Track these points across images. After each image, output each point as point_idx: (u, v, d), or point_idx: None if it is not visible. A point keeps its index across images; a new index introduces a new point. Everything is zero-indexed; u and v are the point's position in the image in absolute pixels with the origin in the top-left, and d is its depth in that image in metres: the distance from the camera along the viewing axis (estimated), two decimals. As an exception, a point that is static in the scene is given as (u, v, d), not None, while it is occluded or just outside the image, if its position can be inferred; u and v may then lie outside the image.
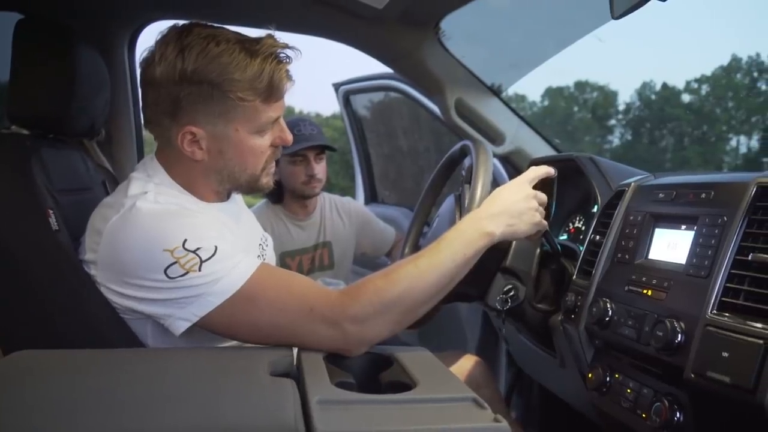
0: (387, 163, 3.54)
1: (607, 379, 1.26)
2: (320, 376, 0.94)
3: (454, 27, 1.87)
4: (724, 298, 1.01)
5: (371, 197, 3.44)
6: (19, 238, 1.15)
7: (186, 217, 1.15)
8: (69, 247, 1.20)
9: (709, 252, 1.07)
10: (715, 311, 1.01)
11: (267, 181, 1.29)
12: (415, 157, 3.49)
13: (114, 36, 1.85)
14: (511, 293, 1.46)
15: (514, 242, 1.47)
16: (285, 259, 2.38)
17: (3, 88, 1.36)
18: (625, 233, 1.29)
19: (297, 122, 2.36)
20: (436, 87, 1.91)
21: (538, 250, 1.51)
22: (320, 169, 2.37)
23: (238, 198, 1.41)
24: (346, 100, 3.29)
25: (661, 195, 1.24)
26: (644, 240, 1.25)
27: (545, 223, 1.30)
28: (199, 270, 1.08)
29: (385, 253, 2.64)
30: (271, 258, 1.48)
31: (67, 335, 1.16)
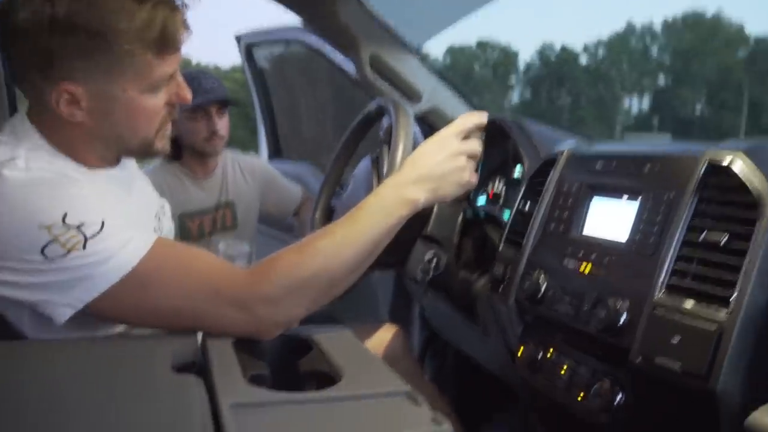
0: (291, 118, 3.35)
1: (539, 356, 1.17)
2: (231, 368, 0.82)
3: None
4: (672, 279, 0.93)
5: (275, 152, 3.25)
6: None
7: (65, 187, 0.96)
8: None
9: (655, 229, 0.98)
10: (663, 293, 0.93)
11: (163, 145, 1.11)
12: (320, 112, 3.32)
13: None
14: (433, 262, 1.35)
15: (435, 208, 1.37)
16: (185, 221, 2.19)
17: None
18: (558, 203, 1.19)
19: (197, 75, 2.15)
20: (350, 41, 1.74)
21: (461, 217, 1.41)
22: (222, 124, 2.17)
23: (129, 162, 1.22)
24: (248, 53, 3.06)
25: (599, 165, 1.14)
26: (580, 211, 1.15)
27: (475, 180, 1.18)
28: (84, 248, 0.91)
29: (291, 212, 2.49)
30: (170, 230, 1.31)
31: None
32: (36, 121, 1.04)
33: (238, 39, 3.07)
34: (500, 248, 1.31)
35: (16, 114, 1.11)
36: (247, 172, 2.37)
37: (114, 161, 1.13)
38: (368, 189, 1.40)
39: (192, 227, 2.20)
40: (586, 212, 1.14)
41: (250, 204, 2.36)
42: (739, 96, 30.02)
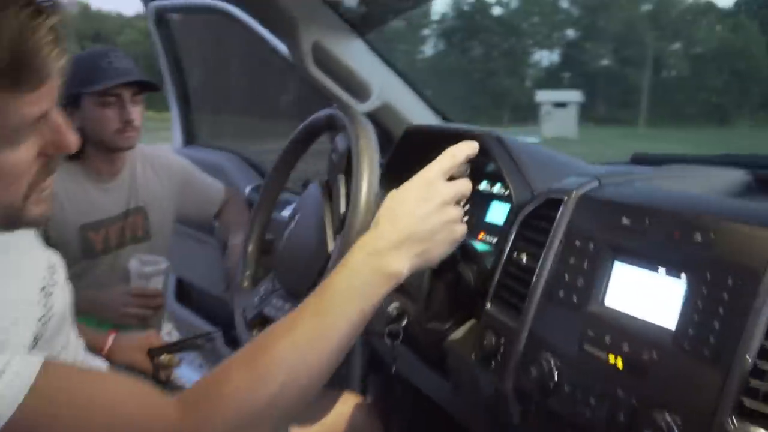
0: (208, 99, 2.97)
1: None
2: None
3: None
4: (746, 400, 0.71)
5: (188, 139, 2.87)
6: None
7: None
8: None
9: (717, 325, 0.75)
10: (734, 417, 0.71)
11: (40, 210, 0.79)
12: (243, 92, 2.95)
13: None
14: (402, 317, 1.10)
15: None
16: (87, 234, 1.81)
17: None
18: (568, 262, 0.95)
19: (106, 52, 1.76)
20: (288, 27, 1.42)
21: None
22: (137, 113, 1.80)
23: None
24: (159, 19, 2.65)
25: (625, 220, 0.90)
26: (599, 278, 0.91)
27: (465, 230, 0.93)
28: None
29: (213, 214, 2.16)
30: (63, 304, 0.99)
31: None
32: None
33: (146, 2, 2.65)
34: (488, 306, 1.07)
35: None
36: (160, 170, 2.01)
37: None
38: (319, 229, 1.13)
39: (96, 240, 1.84)
40: (607, 280, 0.91)
41: (166, 209, 2.01)
42: (644, 51, 30.79)
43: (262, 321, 1.21)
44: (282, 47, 1.98)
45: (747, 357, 0.72)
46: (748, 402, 0.70)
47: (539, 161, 1.20)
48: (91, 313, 1.73)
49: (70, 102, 1.74)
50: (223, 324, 2.49)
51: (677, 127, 25.57)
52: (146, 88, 1.83)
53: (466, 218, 0.96)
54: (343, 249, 0.95)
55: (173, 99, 2.77)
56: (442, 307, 1.18)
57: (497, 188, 1.41)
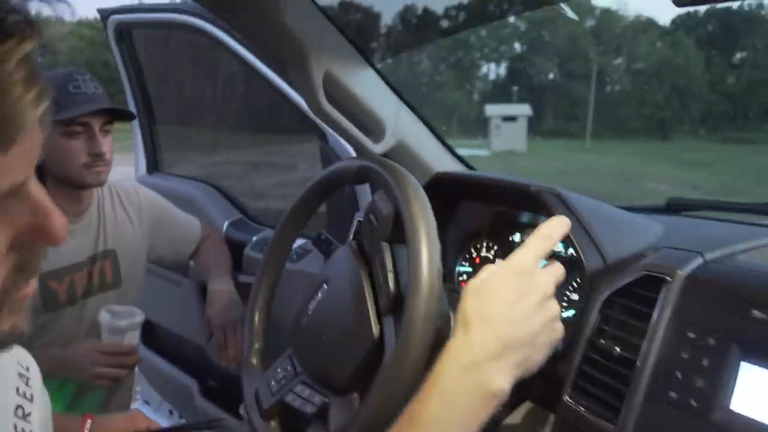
0: (175, 122, 2.72)
1: None
2: None
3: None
4: None
5: (153, 166, 2.62)
6: None
7: None
8: None
9: None
10: None
11: (11, 323, 0.53)
12: (212, 114, 2.73)
13: None
14: None
15: (453, 324, 0.93)
16: (48, 283, 1.57)
17: None
18: (681, 358, 0.79)
19: (72, 75, 1.53)
20: (296, 56, 1.22)
21: None
22: (108, 145, 1.57)
23: None
24: (120, 35, 2.41)
25: (756, 313, 0.74)
26: (724, 379, 0.75)
27: (563, 328, 0.76)
28: None
29: (188, 255, 1.94)
30: (43, 408, 0.77)
31: None
32: None
33: (105, 15, 2.41)
34: (566, 398, 0.89)
35: None
36: (131, 207, 1.78)
37: None
38: (358, 307, 0.93)
39: (59, 290, 1.60)
40: (734, 382, 0.75)
41: (138, 252, 1.79)
42: (588, 65, 31.41)
43: (281, 409, 1.02)
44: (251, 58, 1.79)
45: None
46: None
47: (603, 219, 1.04)
48: (54, 373, 1.49)
49: None
50: (197, 373, 2.26)
51: (621, 140, 26.11)
52: (117, 117, 1.62)
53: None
54: (406, 342, 0.78)
55: (138, 123, 2.52)
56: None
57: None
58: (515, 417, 1.02)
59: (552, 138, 26.85)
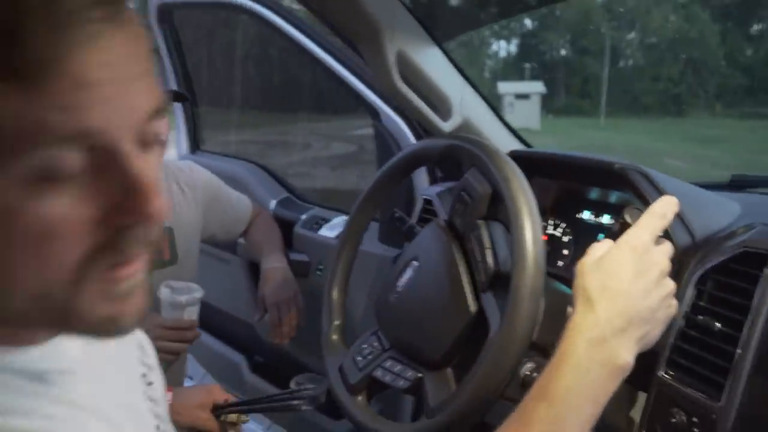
0: (215, 101, 2.74)
1: None
2: None
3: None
4: None
5: (194, 145, 2.64)
6: None
7: None
8: None
9: None
10: None
11: (109, 312, 0.49)
12: (257, 94, 2.74)
13: None
14: (534, 375, 0.94)
15: (543, 305, 0.95)
16: None
17: None
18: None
19: None
20: (369, 34, 1.23)
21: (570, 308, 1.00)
22: (164, 126, 1.59)
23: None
24: (162, 16, 2.41)
25: None
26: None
27: (677, 305, 0.78)
28: None
29: (240, 233, 1.97)
30: (159, 384, 0.79)
31: None
32: None
33: (146, -5, 2.42)
34: (661, 373, 0.90)
35: None
36: (186, 186, 1.80)
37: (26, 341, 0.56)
38: (454, 283, 0.95)
39: None
40: None
41: (193, 229, 1.81)
42: (601, 41, 31.09)
43: (369, 384, 1.04)
44: (305, 39, 1.78)
45: None
46: None
47: (686, 197, 1.05)
48: None
49: None
50: (245, 350, 2.29)
51: (636, 117, 25.90)
52: (178, 97, 1.64)
53: None
54: (513, 317, 0.79)
55: (181, 105, 2.54)
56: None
57: (605, 219, 1.26)
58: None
59: (566, 115, 26.67)
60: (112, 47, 0.43)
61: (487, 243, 0.92)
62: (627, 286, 0.71)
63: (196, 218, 1.82)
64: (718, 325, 0.86)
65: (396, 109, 1.56)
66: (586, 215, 1.30)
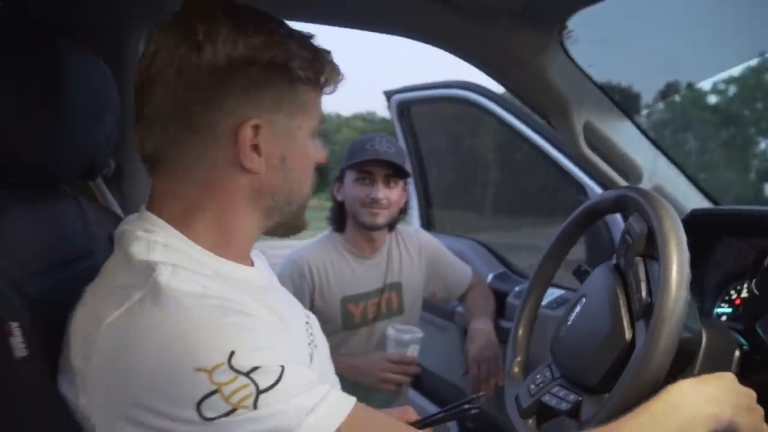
0: (445, 185, 3.04)
1: None
2: None
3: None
4: None
5: (426, 223, 2.94)
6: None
7: (236, 312, 0.70)
8: (46, 384, 0.73)
9: None
10: None
11: (305, 220, 0.93)
12: (480, 177, 2.99)
13: (126, 36, 1.36)
14: None
15: (704, 340, 1.01)
16: (347, 305, 1.95)
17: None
18: None
19: (372, 137, 1.92)
20: (559, 107, 1.41)
21: (737, 353, 1.05)
22: (388, 193, 1.90)
23: (264, 265, 0.98)
24: (401, 111, 2.79)
25: None
26: None
27: None
28: (254, 407, 0.64)
29: (458, 296, 2.17)
30: (324, 345, 1.02)
31: None
32: (171, 208, 0.80)
33: (389, 95, 2.82)
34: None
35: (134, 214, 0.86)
36: (412, 247, 2.09)
37: (248, 259, 0.89)
38: (613, 314, 1.05)
39: (355, 312, 1.95)
40: None
41: (417, 285, 2.08)
42: None
43: (538, 409, 1.15)
44: (523, 127, 1.97)
45: None
46: None
47: None
48: (344, 377, 1.79)
49: (339, 177, 1.94)
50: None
51: None
52: (399, 174, 1.92)
53: None
54: (653, 340, 0.89)
55: (413, 186, 2.87)
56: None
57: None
58: None
59: None
60: None
61: (642, 276, 1.01)
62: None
63: (419, 275, 2.09)
64: None
65: (601, 185, 1.69)
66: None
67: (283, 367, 0.67)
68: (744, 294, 1.38)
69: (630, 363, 0.93)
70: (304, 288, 1.92)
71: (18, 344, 0.71)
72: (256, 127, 0.79)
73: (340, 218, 2.00)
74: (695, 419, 0.83)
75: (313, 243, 2.02)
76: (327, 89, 0.87)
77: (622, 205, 1.13)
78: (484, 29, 1.27)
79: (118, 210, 1.36)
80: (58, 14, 1.15)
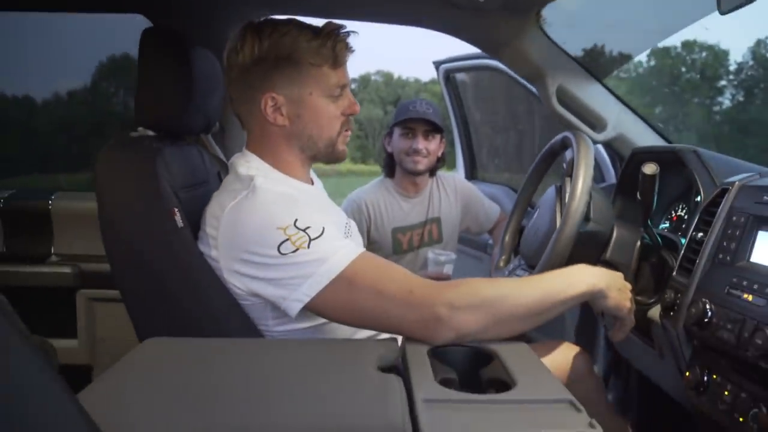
0: (485, 140, 3.56)
1: (705, 379, 1.25)
2: (425, 371, 0.95)
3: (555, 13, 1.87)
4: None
5: (471, 175, 3.46)
6: (150, 239, 1.28)
7: (295, 199, 1.25)
8: (193, 243, 1.31)
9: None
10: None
11: (343, 149, 1.42)
12: (516, 136, 3.49)
13: (227, 35, 1.94)
14: None
15: (614, 234, 1.49)
16: (396, 235, 2.52)
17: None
18: (727, 233, 1.28)
19: (414, 101, 2.47)
20: (537, 75, 1.90)
21: (639, 243, 1.52)
22: (427, 145, 2.44)
23: (321, 186, 1.53)
24: (446, 78, 3.31)
25: (766, 198, 1.22)
26: (746, 242, 1.23)
27: (632, 318, 1.33)
28: (308, 247, 1.16)
29: (488, 229, 2.70)
30: (358, 242, 1.55)
31: (193, 324, 1.28)
32: (254, 147, 1.39)
33: (437, 65, 3.33)
34: (674, 274, 1.41)
35: (238, 153, 1.43)
36: (450, 190, 2.62)
37: (310, 180, 1.44)
38: (552, 215, 1.56)
39: (403, 240, 2.50)
40: (753, 243, 1.22)
41: (454, 220, 2.60)
42: None
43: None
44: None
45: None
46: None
47: (725, 166, 1.51)
48: None
49: (389, 133, 2.49)
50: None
51: None
52: (435, 129, 2.44)
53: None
54: (564, 221, 1.38)
55: (458, 140, 3.39)
56: (647, 284, 1.53)
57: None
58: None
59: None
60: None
61: (567, 189, 1.50)
62: (608, 271, 1.27)
63: (455, 212, 2.62)
64: (698, 235, 1.35)
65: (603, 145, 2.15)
66: (699, 198, 1.75)
67: (324, 228, 1.20)
68: (678, 212, 1.84)
69: (549, 244, 1.44)
70: (362, 222, 2.48)
71: (179, 220, 1.30)
72: (274, 98, 1.32)
73: (390, 166, 2.55)
74: (578, 282, 1.21)
75: (369, 186, 2.59)
76: (338, 62, 1.34)
77: (566, 144, 1.63)
78: (476, 19, 1.78)
79: (221, 155, 1.97)
80: (186, 25, 1.74)
